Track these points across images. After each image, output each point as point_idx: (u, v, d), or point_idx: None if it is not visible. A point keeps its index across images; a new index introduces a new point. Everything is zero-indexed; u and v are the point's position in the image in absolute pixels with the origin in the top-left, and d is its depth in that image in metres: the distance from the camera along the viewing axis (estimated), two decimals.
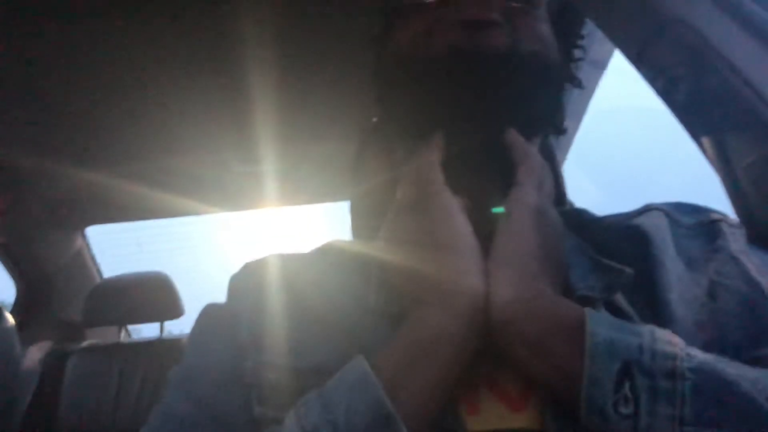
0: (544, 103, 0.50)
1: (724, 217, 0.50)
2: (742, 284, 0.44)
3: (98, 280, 2.13)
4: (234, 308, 0.51)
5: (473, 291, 0.40)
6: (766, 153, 0.56)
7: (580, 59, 0.58)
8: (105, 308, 1.79)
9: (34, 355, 1.72)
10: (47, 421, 1.61)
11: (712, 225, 0.49)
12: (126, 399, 1.65)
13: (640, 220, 0.50)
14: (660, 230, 0.49)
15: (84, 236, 2.13)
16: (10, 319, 1.64)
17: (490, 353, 0.40)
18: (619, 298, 0.45)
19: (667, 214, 0.50)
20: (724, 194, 0.61)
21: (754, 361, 0.39)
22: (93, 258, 2.18)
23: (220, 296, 0.53)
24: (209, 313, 0.53)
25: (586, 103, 1.24)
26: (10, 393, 1.59)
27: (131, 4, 1.01)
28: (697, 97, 0.60)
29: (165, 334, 1.86)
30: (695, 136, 0.63)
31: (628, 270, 0.45)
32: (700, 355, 0.35)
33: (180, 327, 2.40)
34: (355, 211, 0.68)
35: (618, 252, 0.48)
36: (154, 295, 1.82)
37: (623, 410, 0.34)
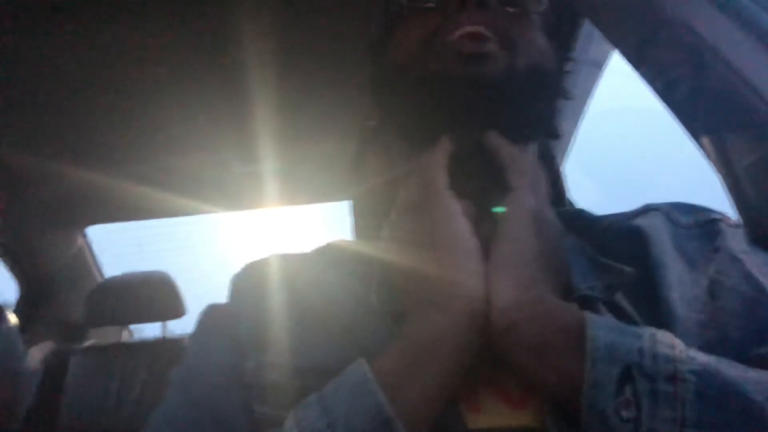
0: (538, 111, 0.50)
1: (723, 217, 0.50)
2: (743, 284, 0.44)
3: (99, 280, 2.13)
4: (235, 308, 0.51)
5: (473, 295, 0.39)
6: (766, 153, 0.56)
7: (571, 72, 0.58)
8: (107, 308, 1.79)
9: (37, 355, 1.72)
10: (49, 421, 1.61)
11: (711, 225, 0.49)
12: (128, 399, 1.65)
13: (639, 221, 0.50)
14: (659, 230, 0.49)
15: (85, 236, 2.13)
16: (13, 319, 1.64)
17: (491, 352, 0.40)
18: (620, 298, 0.45)
19: (666, 214, 0.51)
20: (725, 194, 0.61)
21: (756, 360, 0.39)
22: (94, 258, 2.18)
23: (222, 296, 0.54)
24: (210, 313, 0.54)
25: (586, 104, 1.24)
26: (13, 393, 1.60)
27: (131, 4, 1.01)
28: (697, 97, 0.60)
29: (167, 333, 1.86)
30: (695, 136, 0.63)
31: (629, 269, 0.45)
32: (700, 357, 0.35)
33: (182, 327, 2.40)
34: (355, 211, 0.68)
35: (617, 252, 0.48)
36: (155, 294, 1.82)
37: (625, 414, 0.34)
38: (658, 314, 0.44)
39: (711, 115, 0.60)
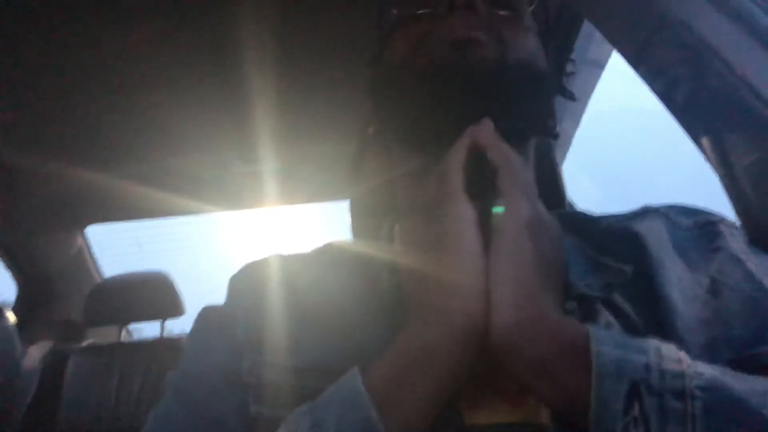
0: (532, 109, 0.50)
1: (721, 219, 0.50)
2: (744, 283, 0.45)
3: (99, 280, 2.13)
4: (232, 309, 0.51)
5: (470, 312, 0.38)
6: (765, 153, 0.56)
7: (572, 73, 0.58)
8: (105, 307, 1.80)
9: (35, 354, 1.72)
10: (47, 421, 1.61)
11: (710, 226, 0.49)
12: (126, 398, 1.65)
13: (637, 224, 0.50)
14: (658, 232, 0.49)
15: (84, 236, 2.13)
16: (11, 319, 1.64)
17: (489, 353, 0.40)
18: (617, 297, 0.45)
19: (665, 216, 0.51)
20: (724, 194, 0.61)
21: (758, 358, 0.40)
22: (93, 257, 2.18)
23: (221, 295, 0.54)
24: (206, 315, 0.54)
25: (585, 104, 1.24)
26: (11, 392, 1.60)
27: (131, 4, 1.01)
28: (697, 97, 0.60)
29: (166, 333, 1.86)
30: (694, 136, 0.63)
31: (627, 268, 0.45)
32: (707, 372, 0.35)
33: (181, 326, 2.40)
34: (354, 211, 0.68)
35: (616, 253, 0.48)
36: (154, 293, 1.82)
37: None
38: (658, 313, 0.44)
39: (711, 116, 0.60)
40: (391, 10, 0.54)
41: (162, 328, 1.86)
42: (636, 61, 0.67)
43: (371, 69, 0.58)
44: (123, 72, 1.20)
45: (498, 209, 0.43)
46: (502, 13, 0.50)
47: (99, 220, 2.06)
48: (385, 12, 0.56)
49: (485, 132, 0.45)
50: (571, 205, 1.06)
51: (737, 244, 0.48)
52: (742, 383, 0.35)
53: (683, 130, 0.63)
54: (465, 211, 0.42)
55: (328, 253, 0.55)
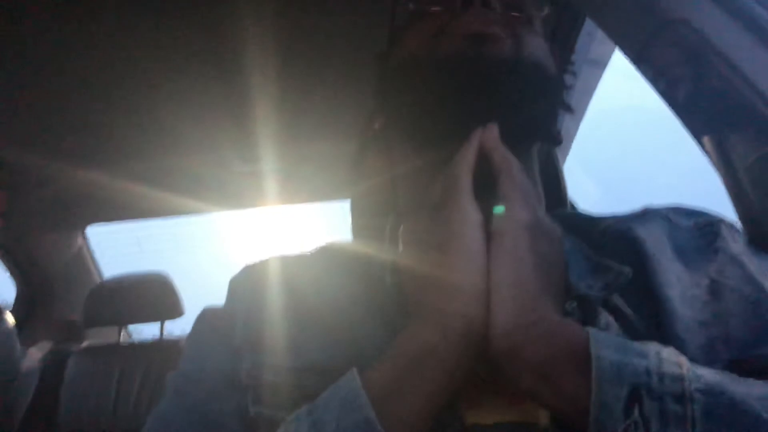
0: (541, 112, 0.50)
1: (721, 219, 0.50)
2: (744, 285, 0.44)
3: (98, 280, 2.13)
4: (231, 310, 0.51)
5: (469, 315, 0.38)
6: (767, 153, 0.56)
7: (571, 86, 0.58)
8: (105, 308, 1.79)
9: (34, 355, 1.72)
10: (47, 422, 1.61)
11: (710, 227, 0.49)
12: (125, 399, 1.65)
13: (636, 227, 0.50)
14: (657, 233, 0.49)
15: (84, 236, 2.13)
16: (11, 319, 1.64)
17: (488, 354, 0.40)
18: (617, 298, 0.45)
19: (666, 217, 0.51)
20: (725, 194, 0.61)
21: (758, 359, 0.40)
22: (93, 258, 2.18)
23: (221, 296, 0.54)
24: (205, 317, 0.54)
25: (586, 103, 1.24)
26: (10, 393, 1.60)
27: (131, 4, 1.01)
28: (698, 96, 0.60)
29: (165, 334, 1.86)
30: (696, 136, 0.62)
31: (627, 269, 0.45)
32: (706, 375, 0.35)
33: (181, 327, 2.40)
34: (355, 210, 0.68)
35: (615, 253, 0.48)
36: (154, 295, 1.82)
37: None
38: (657, 312, 0.44)
39: (712, 115, 0.60)
40: (405, 6, 0.54)
41: (161, 329, 1.86)
42: (638, 59, 0.66)
43: (380, 63, 0.58)
44: (123, 72, 1.20)
45: (498, 209, 0.43)
46: (515, 14, 0.51)
47: (99, 220, 2.06)
48: (398, 8, 0.56)
49: (490, 136, 0.45)
50: (572, 205, 1.06)
51: (737, 245, 0.48)
52: (741, 386, 0.35)
53: (685, 129, 0.63)
54: (472, 213, 0.41)
55: (328, 253, 0.55)
